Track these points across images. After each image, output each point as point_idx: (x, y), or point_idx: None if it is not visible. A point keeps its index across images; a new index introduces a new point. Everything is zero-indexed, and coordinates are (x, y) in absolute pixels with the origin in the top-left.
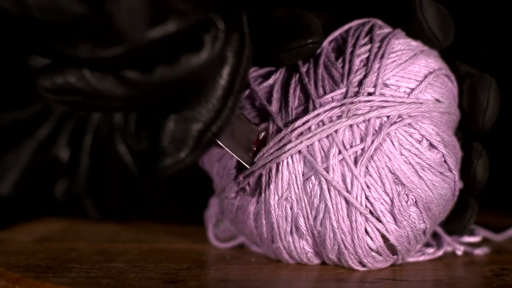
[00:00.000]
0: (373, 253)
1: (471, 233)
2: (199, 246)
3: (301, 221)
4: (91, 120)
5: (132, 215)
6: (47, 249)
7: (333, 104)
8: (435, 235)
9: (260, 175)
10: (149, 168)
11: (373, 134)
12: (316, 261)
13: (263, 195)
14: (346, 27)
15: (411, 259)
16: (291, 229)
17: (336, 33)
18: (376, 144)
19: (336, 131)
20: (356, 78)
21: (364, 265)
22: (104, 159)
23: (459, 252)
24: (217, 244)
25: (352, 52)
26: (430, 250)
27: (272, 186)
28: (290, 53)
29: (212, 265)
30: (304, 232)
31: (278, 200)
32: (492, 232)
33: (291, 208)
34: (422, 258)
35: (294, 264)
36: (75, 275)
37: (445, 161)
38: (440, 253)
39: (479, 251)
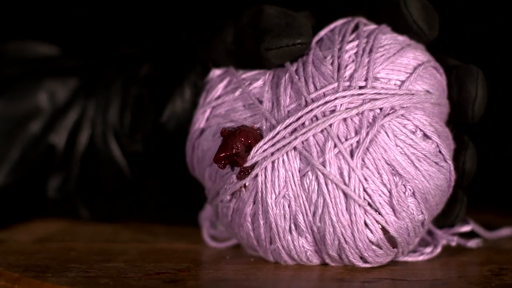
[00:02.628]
0: (374, 247)
1: (463, 222)
2: (198, 246)
3: (300, 218)
4: (87, 116)
5: (126, 217)
6: (47, 249)
7: (326, 99)
8: (431, 234)
9: (256, 175)
10: (142, 171)
11: (368, 127)
12: (315, 260)
13: (259, 195)
14: (331, 26)
15: (410, 259)
16: (290, 227)
17: (322, 33)
18: (371, 136)
19: (330, 125)
20: (346, 73)
21: (365, 260)
22: (96, 157)
23: (453, 244)
24: (213, 244)
25: (340, 49)
26: (428, 249)
27: (269, 185)
28: (278, 52)
29: (211, 265)
30: (304, 229)
31: (276, 198)
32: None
33: (289, 206)
34: (421, 258)
35: (294, 264)
36: (74, 275)
37: (439, 151)
38: (438, 250)
39: (472, 243)
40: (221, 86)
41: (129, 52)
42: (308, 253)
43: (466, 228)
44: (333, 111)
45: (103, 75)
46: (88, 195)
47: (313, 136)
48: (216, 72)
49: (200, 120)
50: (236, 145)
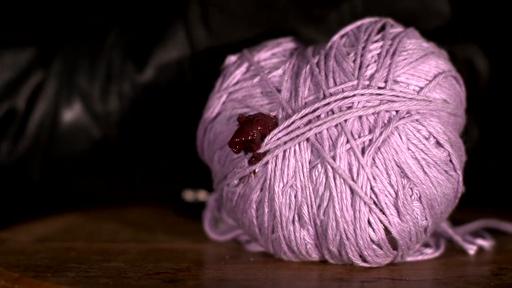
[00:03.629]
0: (374, 246)
1: (483, 237)
2: (198, 246)
3: (305, 210)
4: (49, 82)
5: (88, 181)
6: (47, 249)
7: (344, 95)
8: (434, 236)
9: (267, 162)
10: (119, 132)
11: (382, 127)
12: (314, 254)
13: (267, 182)
14: (358, 23)
15: (409, 259)
16: (294, 217)
17: (347, 28)
18: (384, 136)
19: (345, 121)
20: (367, 72)
21: (364, 259)
22: (57, 120)
23: (471, 252)
24: (214, 236)
25: (364, 47)
26: (429, 250)
27: (278, 173)
28: None
29: (211, 265)
30: (307, 221)
31: (283, 187)
32: (491, 232)
33: (295, 196)
34: (420, 258)
35: (293, 264)
36: (74, 274)
37: (450, 160)
38: (438, 253)
39: (484, 243)
40: (238, 72)
41: (95, 20)
42: (308, 246)
43: (486, 243)
44: (349, 108)
45: (67, 43)
46: (44, 157)
47: (327, 129)
48: (231, 59)
49: (216, 105)
50: (253, 132)
